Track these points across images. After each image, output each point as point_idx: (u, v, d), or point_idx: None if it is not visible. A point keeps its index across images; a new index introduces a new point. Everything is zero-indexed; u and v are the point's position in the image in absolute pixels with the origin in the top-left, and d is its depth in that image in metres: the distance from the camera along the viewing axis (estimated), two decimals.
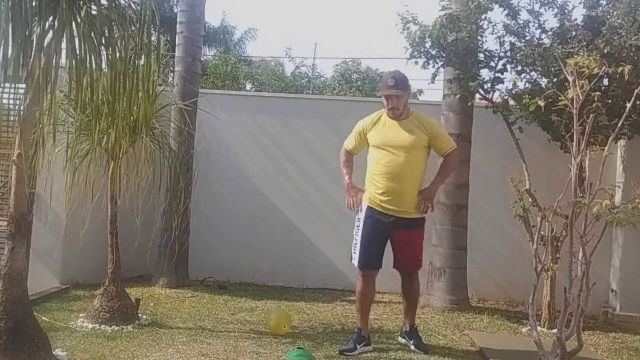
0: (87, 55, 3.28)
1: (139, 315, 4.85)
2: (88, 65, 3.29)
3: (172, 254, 6.18)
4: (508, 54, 5.81)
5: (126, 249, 5.35)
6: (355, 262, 4.35)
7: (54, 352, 3.60)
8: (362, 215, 4.33)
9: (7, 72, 3.05)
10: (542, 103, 4.24)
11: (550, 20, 5.81)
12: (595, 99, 3.98)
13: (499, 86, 5.90)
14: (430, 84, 6.39)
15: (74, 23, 3.26)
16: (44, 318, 4.55)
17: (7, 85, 3.17)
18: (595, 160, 4.12)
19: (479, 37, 5.82)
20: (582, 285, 3.65)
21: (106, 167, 4.85)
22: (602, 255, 5.31)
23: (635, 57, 5.01)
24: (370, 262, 4.33)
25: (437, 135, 4.40)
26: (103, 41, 3.37)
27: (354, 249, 4.35)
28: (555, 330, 3.93)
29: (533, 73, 5.65)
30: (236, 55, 18.09)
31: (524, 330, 5.29)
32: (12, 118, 3.82)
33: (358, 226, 4.35)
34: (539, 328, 4.23)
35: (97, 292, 4.85)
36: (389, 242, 4.39)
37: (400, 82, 4.29)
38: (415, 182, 4.30)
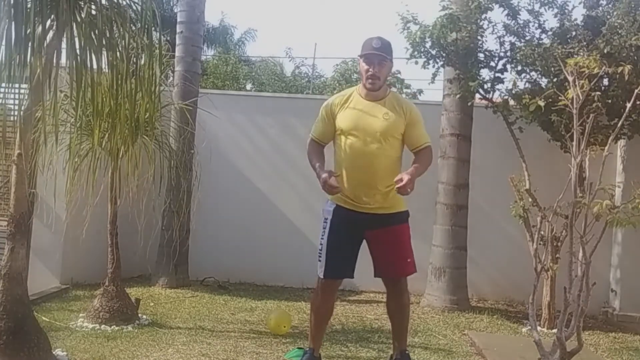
0: (87, 55, 3.28)
1: (139, 315, 4.85)
2: (89, 65, 3.29)
3: (173, 254, 6.19)
4: (508, 54, 5.82)
5: (126, 248, 5.35)
6: (321, 272, 3.57)
7: (54, 352, 3.59)
8: (328, 216, 3.58)
9: (8, 72, 3.04)
10: (542, 103, 4.25)
11: (550, 20, 5.85)
12: (595, 99, 3.99)
13: (499, 86, 5.92)
14: (430, 84, 6.36)
15: (74, 23, 3.26)
16: (44, 318, 4.55)
17: (7, 85, 3.17)
18: (595, 160, 4.13)
19: (479, 37, 5.83)
20: (582, 285, 3.65)
21: (107, 167, 4.85)
22: (602, 255, 5.32)
23: (635, 57, 5.01)
24: (337, 272, 3.60)
25: (415, 123, 3.59)
26: (103, 41, 3.37)
27: (319, 257, 3.57)
28: (555, 330, 3.94)
29: (533, 73, 5.66)
30: (236, 56, 18.08)
31: (524, 330, 5.29)
32: (12, 118, 3.82)
33: (324, 228, 3.59)
34: (539, 328, 4.23)
35: (97, 292, 4.85)
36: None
37: (387, 47, 3.55)
38: (391, 174, 3.48)
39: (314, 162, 3.61)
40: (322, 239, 3.59)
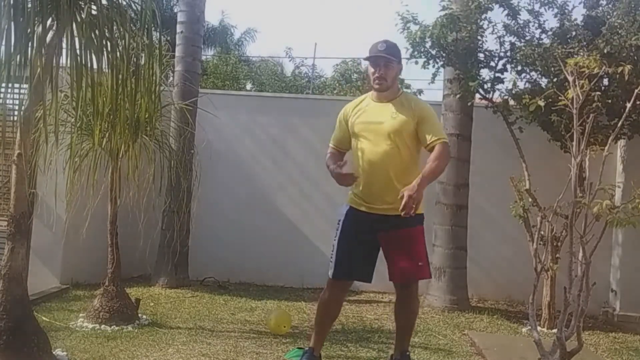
0: (87, 55, 3.28)
1: (139, 315, 4.85)
2: (89, 65, 3.29)
3: (173, 254, 6.19)
4: (508, 54, 5.81)
5: (126, 249, 5.35)
6: (330, 272, 3.60)
7: (54, 352, 3.59)
8: (341, 217, 3.64)
9: (8, 72, 3.04)
10: (542, 103, 4.25)
11: (550, 20, 5.82)
12: (595, 99, 3.99)
13: (499, 86, 5.91)
14: (430, 84, 6.37)
15: (74, 23, 3.26)
16: (44, 318, 4.55)
17: (7, 85, 3.17)
18: (595, 160, 4.13)
19: (479, 37, 5.82)
20: (582, 285, 3.65)
21: (107, 167, 4.85)
22: (602, 255, 5.32)
23: (635, 57, 5.01)
24: (346, 273, 3.60)
25: (424, 120, 3.51)
26: (104, 41, 3.37)
27: (331, 257, 3.62)
28: (555, 330, 3.94)
29: (533, 73, 5.65)
30: (236, 56, 18.09)
31: (524, 330, 5.29)
32: (12, 118, 3.82)
33: (337, 230, 3.63)
34: (539, 328, 4.23)
35: (97, 292, 4.85)
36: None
37: (393, 49, 3.59)
38: (403, 174, 3.46)
39: (329, 166, 3.61)
40: (334, 239, 3.62)
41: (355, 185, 3.58)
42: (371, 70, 3.61)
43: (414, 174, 3.43)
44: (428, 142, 3.49)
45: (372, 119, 3.58)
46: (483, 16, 5.81)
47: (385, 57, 3.55)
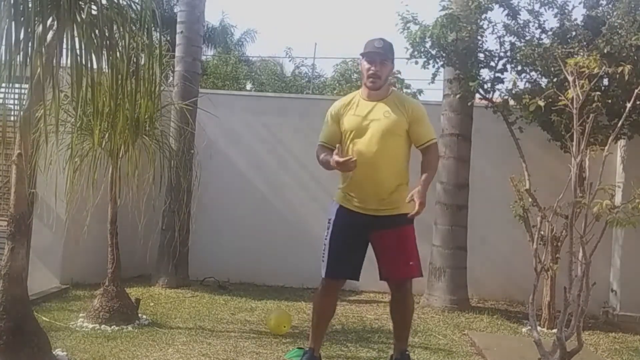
0: (87, 55, 3.28)
1: (139, 315, 4.85)
2: (89, 65, 3.29)
3: (173, 254, 6.19)
4: (508, 54, 5.82)
5: (126, 248, 5.35)
6: (323, 272, 3.61)
7: (54, 352, 3.59)
8: (332, 216, 3.63)
9: (8, 72, 3.04)
10: (542, 103, 4.25)
11: (550, 20, 5.85)
12: (595, 99, 3.99)
13: (499, 86, 5.92)
14: (430, 84, 6.36)
15: (74, 23, 3.26)
16: (44, 318, 4.55)
17: (8, 85, 3.17)
18: (595, 160, 4.12)
19: (479, 37, 5.83)
20: (582, 285, 3.65)
21: (107, 167, 4.85)
22: (602, 255, 5.32)
23: (635, 57, 5.01)
24: (339, 271, 3.61)
25: (418, 120, 3.58)
26: (104, 41, 3.37)
27: (323, 257, 3.61)
28: (555, 330, 3.94)
29: (533, 73, 5.66)
30: (236, 56, 18.09)
31: (524, 330, 5.29)
32: (12, 118, 3.82)
33: (328, 228, 3.62)
34: (539, 328, 4.23)
35: (97, 292, 4.85)
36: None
37: (388, 48, 3.60)
38: (396, 174, 3.55)
39: (322, 158, 3.58)
40: (325, 239, 3.61)
41: (347, 184, 3.56)
42: (366, 66, 3.56)
43: (404, 173, 3.58)
44: (422, 143, 3.60)
45: (365, 118, 3.53)
46: (483, 16, 5.82)
47: (382, 55, 3.56)
